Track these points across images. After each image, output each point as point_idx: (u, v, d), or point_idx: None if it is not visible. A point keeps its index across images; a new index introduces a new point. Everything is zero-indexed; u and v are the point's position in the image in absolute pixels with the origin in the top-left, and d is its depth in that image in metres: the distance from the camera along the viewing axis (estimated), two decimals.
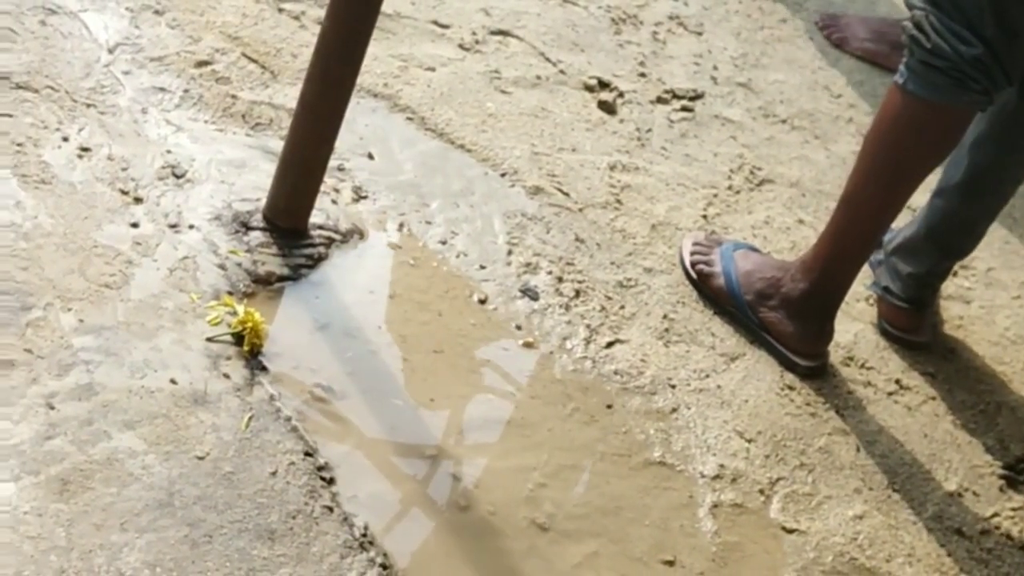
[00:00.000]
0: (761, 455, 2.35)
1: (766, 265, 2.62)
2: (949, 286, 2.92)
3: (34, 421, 1.85)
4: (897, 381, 2.64)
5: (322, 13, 2.34)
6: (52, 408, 1.88)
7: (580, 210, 2.76)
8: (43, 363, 1.94)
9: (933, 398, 2.64)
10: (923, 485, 2.43)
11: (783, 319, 2.56)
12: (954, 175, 2.61)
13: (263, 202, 2.40)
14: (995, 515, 2.42)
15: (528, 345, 2.39)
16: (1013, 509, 2.44)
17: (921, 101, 2.32)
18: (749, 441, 2.37)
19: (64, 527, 1.73)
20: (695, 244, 2.70)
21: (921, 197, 2.68)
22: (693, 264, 2.67)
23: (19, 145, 2.33)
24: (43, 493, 1.76)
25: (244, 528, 1.83)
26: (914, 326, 2.74)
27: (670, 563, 2.09)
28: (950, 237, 2.68)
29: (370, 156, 2.69)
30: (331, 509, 1.92)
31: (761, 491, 2.28)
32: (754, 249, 2.71)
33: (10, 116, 2.38)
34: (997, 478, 2.50)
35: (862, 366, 2.64)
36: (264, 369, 2.11)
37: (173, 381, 2.01)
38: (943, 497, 2.42)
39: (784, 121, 3.37)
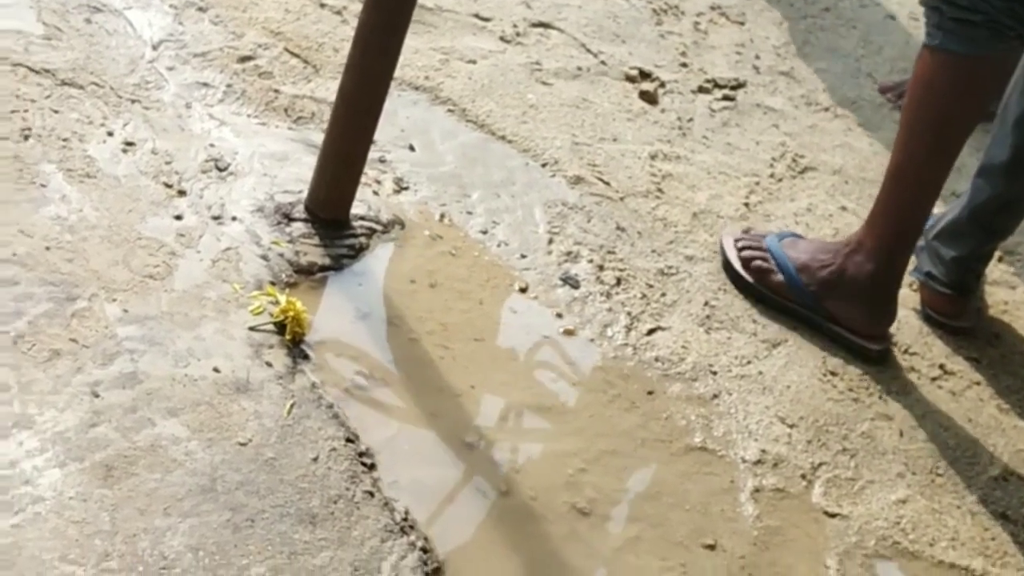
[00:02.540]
0: (803, 440, 2.35)
1: (820, 252, 2.60)
2: (994, 271, 2.91)
3: (79, 409, 1.88)
4: (941, 366, 2.63)
5: None
6: (97, 396, 1.91)
7: (621, 199, 2.77)
8: (88, 352, 1.97)
9: (977, 383, 2.63)
10: (967, 470, 2.42)
11: (851, 306, 2.56)
12: (998, 154, 2.60)
13: (305, 194, 2.43)
14: None
15: (569, 332, 2.40)
16: None
17: (959, 57, 2.32)
18: (791, 427, 2.37)
19: (108, 512, 1.76)
20: (739, 241, 2.69)
21: (963, 183, 2.67)
22: (747, 262, 2.64)
23: (64, 140, 2.36)
24: (88, 479, 1.79)
25: (286, 512, 1.85)
26: (957, 312, 2.73)
27: (711, 547, 2.09)
28: (993, 217, 2.66)
29: (411, 148, 2.71)
30: (372, 494, 1.94)
31: (803, 476, 2.28)
32: (795, 235, 2.70)
33: (56, 112, 2.42)
34: None
35: (905, 351, 2.64)
36: (306, 357, 2.14)
37: (216, 369, 2.03)
38: (988, 481, 2.41)
39: (827, 109, 3.36)
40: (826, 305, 2.57)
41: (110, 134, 2.43)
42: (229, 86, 2.67)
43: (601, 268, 2.56)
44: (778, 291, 2.60)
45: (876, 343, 2.58)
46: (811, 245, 2.63)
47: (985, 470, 2.43)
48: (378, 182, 2.58)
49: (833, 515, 2.23)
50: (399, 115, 2.76)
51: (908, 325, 2.70)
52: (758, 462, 2.27)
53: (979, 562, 2.23)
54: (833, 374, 2.52)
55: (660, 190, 2.83)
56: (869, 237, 2.53)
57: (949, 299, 2.71)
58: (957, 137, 2.41)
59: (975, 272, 2.75)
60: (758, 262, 2.62)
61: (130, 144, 2.42)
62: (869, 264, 2.52)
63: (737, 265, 2.64)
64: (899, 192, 2.46)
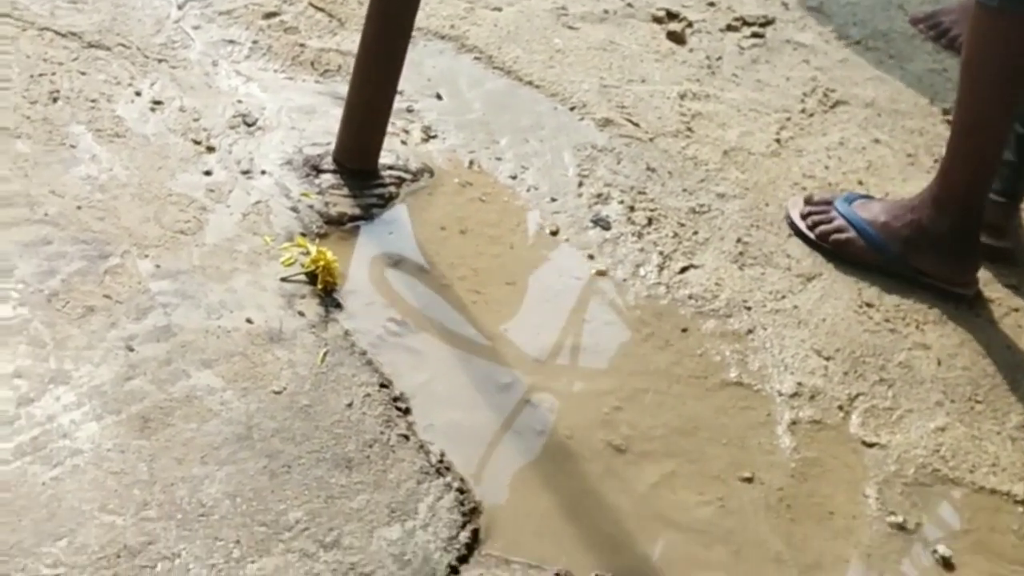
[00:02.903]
0: (840, 372, 2.34)
1: (896, 210, 2.59)
2: None
3: (114, 363, 1.90)
4: (978, 294, 2.61)
5: None
6: (131, 350, 1.93)
7: (651, 140, 2.76)
8: (122, 308, 1.99)
9: (1016, 309, 2.61)
10: (1006, 396, 2.41)
11: (937, 260, 2.56)
12: None
13: (333, 146, 2.44)
14: None
15: (601, 274, 2.40)
16: None
17: (1017, 18, 2.30)
18: (827, 359, 2.36)
19: (146, 462, 1.78)
20: (808, 217, 2.66)
21: None
22: (823, 236, 2.62)
23: (93, 101, 2.38)
24: (125, 431, 1.81)
25: (322, 458, 1.87)
26: (1002, 224, 2.71)
27: (748, 480, 2.09)
28: None
29: (438, 96, 2.71)
30: (407, 437, 1.95)
31: (840, 407, 2.28)
32: (862, 196, 2.69)
33: (84, 74, 2.43)
34: None
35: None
36: (338, 306, 2.15)
37: (249, 320, 2.05)
38: None
39: (858, 42, 3.34)
40: (912, 262, 2.56)
41: (138, 94, 2.44)
42: (255, 42, 2.68)
43: (632, 209, 2.56)
44: (862, 256, 2.59)
45: (967, 288, 2.60)
46: (884, 205, 2.62)
47: None
48: (406, 131, 2.58)
49: (871, 445, 2.23)
50: (425, 64, 2.77)
51: None
52: (795, 395, 2.27)
53: (1020, 487, 2.22)
54: (869, 305, 2.51)
55: (690, 129, 2.82)
56: (942, 190, 2.53)
57: (1000, 208, 2.69)
58: (1021, 90, 2.42)
59: None
60: (836, 235, 2.60)
61: (158, 103, 2.44)
62: (946, 217, 2.52)
63: (813, 236, 2.63)
64: (967, 145, 2.47)
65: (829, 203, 2.63)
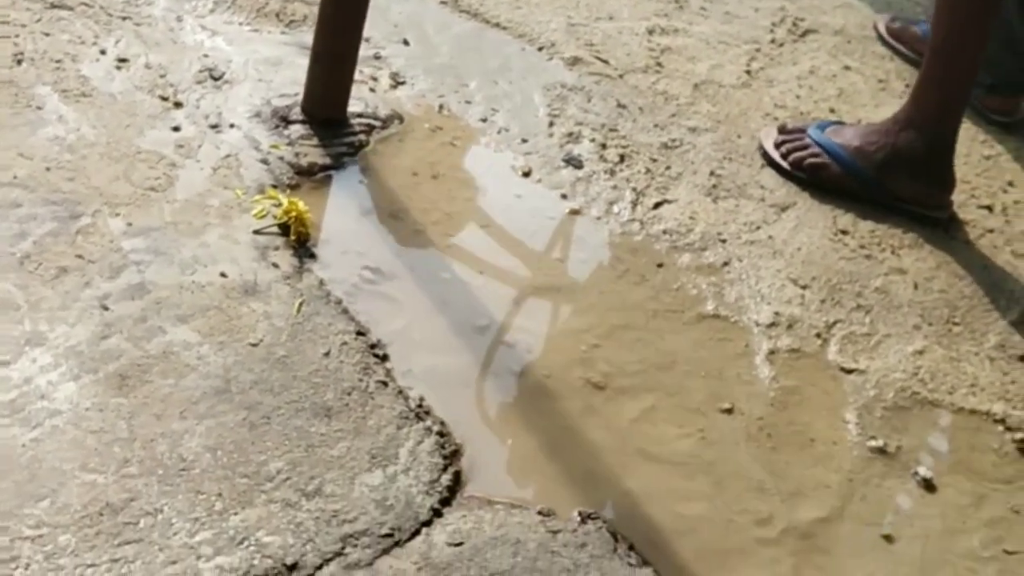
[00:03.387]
0: (816, 300, 2.35)
1: (869, 134, 2.59)
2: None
3: (89, 322, 1.90)
4: (951, 217, 2.62)
5: None
6: (106, 309, 1.93)
7: (620, 76, 2.75)
8: (95, 267, 1.99)
9: (991, 230, 2.62)
10: (984, 316, 2.42)
11: (912, 182, 2.56)
12: None
13: (301, 96, 2.42)
14: None
15: (575, 212, 2.40)
16: None
17: None
18: (804, 287, 2.37)
19: (125, 420, 1.78)
20: (782, 145, 2.66)
21: None
22: (798, 162, 2.62)
23: (58, 62, 2.37)
24: (103, 389, 1.81)
25: (301, 407, 1.87)
26: (1012, 109, 2.87)
27: (728, 411, 2.10)
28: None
29: (405, 42, 2.70)
30: (385, 384, 1.96)
31: (818, 335, 2.28)
32: (834, 122, 2.69)
33: (47, 35, 2.42)
34: None
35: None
36: (312, 256, 2.15)
37: (223, 274, 2.05)
38: (1005, 327, 2.41)
39: None
40: (887, 185, 2.57)
41: (103, 52, 2.43)
42: None
43: (604, 147, 2.55)
44: (837, 182, 2.59)
45: (941, 211, 2.62)
46: (858, 130, 2.62)
47: (1002, 315, 2.43)
48: (374, 79, 2.57)
49: (850, 371, 2.24)
50: (391, 10, 2.75)
51: None
52: (772, 324, 2.28)
53: (999, 406, 2.24)
54: (844, 232, 2.51)
55: (659, 64, 2.81)
56: (918, 112, 2.53)
57: (1005, 100, 2.75)
58: (997, 11, 2.43)
59: None
60: (810, 160, 2.60)
61: (123, 61, 2.42)
62: (922, 138, 2.53)
63: (786, 164, 2.63)
64: (943, 65, 2.47)
65: (802, 131, 2.63)
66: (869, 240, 2.51)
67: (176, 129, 2.31)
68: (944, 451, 2.15)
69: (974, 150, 2.83)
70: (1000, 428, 2.21)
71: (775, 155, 2.62)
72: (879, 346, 2.30)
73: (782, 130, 2.66)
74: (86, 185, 2.13)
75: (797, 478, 2.02)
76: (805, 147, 2.61)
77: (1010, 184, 2.76)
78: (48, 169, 2.14)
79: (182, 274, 2.03)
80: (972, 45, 2.44)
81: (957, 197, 2.66)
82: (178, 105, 2.36)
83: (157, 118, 2.32)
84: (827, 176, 2.58)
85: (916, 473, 2.08)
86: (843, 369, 2.24)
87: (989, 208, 2.67)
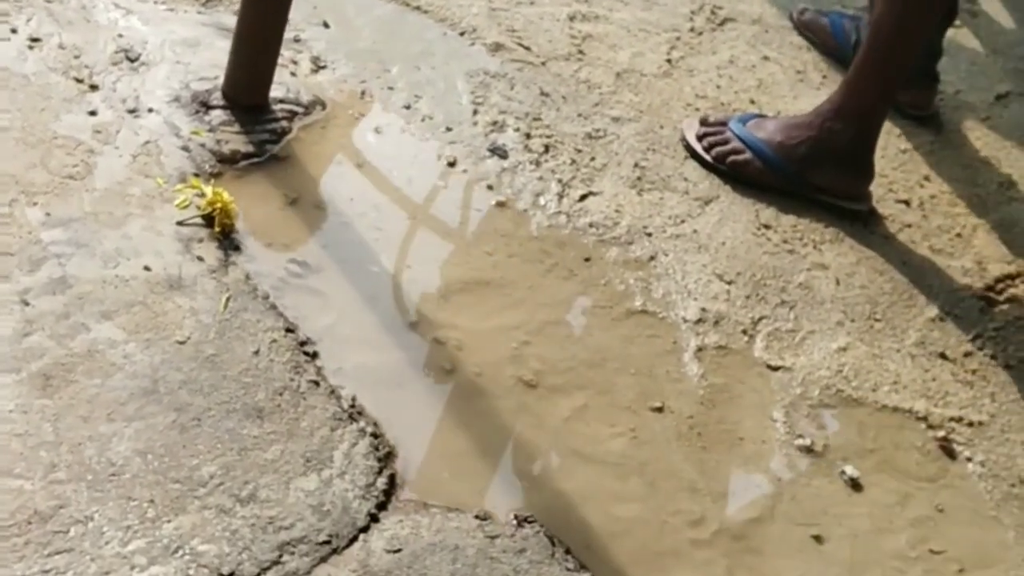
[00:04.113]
0: (742, 296, 2.35)
1: (791, 128, 2.59)
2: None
3: (10, 319, 1.83)
4: (871, 211, 2.63)
5: None
6: (27, 304, 1.86)
7: (543, 64, 2.72)
8: (13, 260, 1.92)
9: (909, 225, 2.64)
10: (904, 312, 2.43)
11: (835, 174, 2.56)
12: None
13: (221, 80, 2.36)
14: (977, 336, 2.43)
15: (501, 204, 2.37)
16: (995, 329, 2.45)
17: None
18: (729, 283, 2.36)
19: (51, 422, 1.72)
20: (704, 138, 2.64)
21: None
22: (720, 157, 2.60)
23: None
24: (26, 390, 1.75)
25: (232, 409, 1.83)
26: (927, 102, 2.85)
27: (659, 409, 2.09)
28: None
29: (325, 25, 2.64)
30: (317, 383, 1.92)
31: (744, 331, 2.28)
32: (756, 115, 2.68)
33: None
34: (977, 300, 2.51)
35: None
36: (237, 249, 2.09)
37: (147, 268, 1.99)
38: (925, 323, 2.43)
39: None
40: (810, 178, 2.57)
41: (14, 31, 2.34)
42: None
43: (528, 136, 2.52)
44: (760, 178, 2.58)
45: (862, 203, 2.63)
46: (779, 124, 2.62)
47: (922, 312, 2.45)
48: (295, 63, 2.51)
49: (776, 368, 2.24)
50: None
51: None
52: (699, 321, 2.27)
53: (921, 403, 2.26)
54: (767, 227, 2.51)
55: (581, 52, 2.79)
56: (849, 100, 2.53)
57: (919, 93, 2.78)
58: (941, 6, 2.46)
59: (937, 58, 2.86)
60: (732, 157, 2.59)
61: (36, 40, 2.34)
62: (848, 128, 2.53)
63: (710, 158, 2.61)
64: (883, 56, 2.47)
65: (724, 124, 2.62)
66: (791, 235, 2.51)
67: (93, 113, 2.23)
68: (869, 449, 2.16)
69: (890, 144, 2.85)
70: (923, 426, 2.23)
71: (698, 148, 2.61)
72: (804, 343, 2.30)
73: (704, 122, 2.65)
74: (1, 172, 2.05)
75: (728, 478, 2.02)
76: (727, 142, 2.60)
77: (926, 179, 2.78)
78: None
79: (105, 267, 1.96)
80: (916, 36, 2.45)
81: (876, 191, 2.68)
82: (94, 88, 2.29)
83: (72, 101, 2.24)
84: (750, 172, 2.58)
85: (843, 472, 2.09)
86: (769, 366, 2.24)
87: (907, 203, 2.69)
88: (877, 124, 2.56)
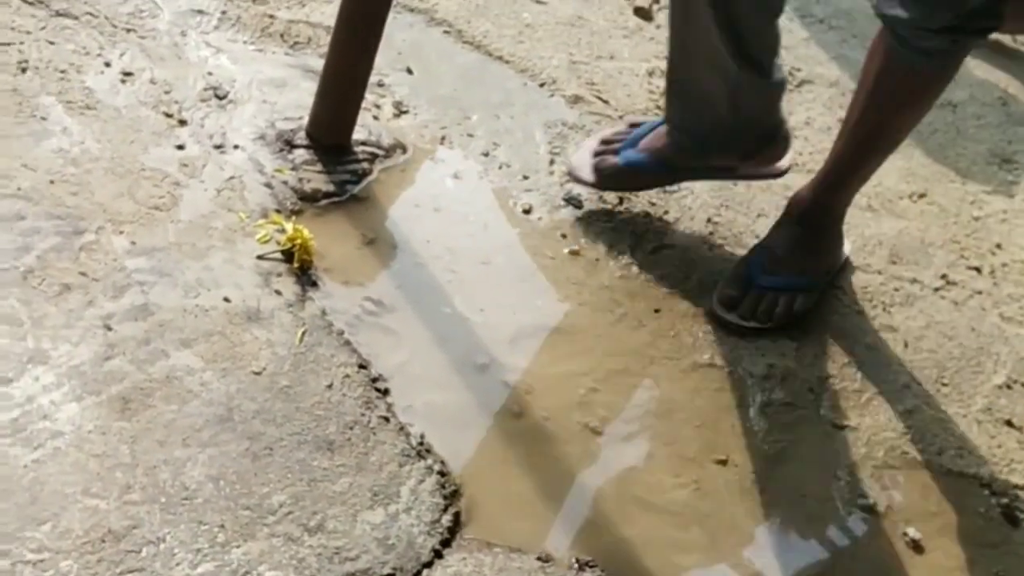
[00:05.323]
0: (809, 354, 2.36)
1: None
2: (993, 178, 2.92)
3: (93, 342, 1.88)
4: (943, 276, 2.64)
5: None
6: (110, 329, 1.91)
7: (620, 117, 2.75)
8: (98, 285, 1.97)
9: (979, 292, 2.64)
10: (972, 379, 2.43)
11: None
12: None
13: (306, 120, 2.41)
14: None
15: (574, 253, 2.40)
16: None
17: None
18: (797, 341, 2.38)
19: (128, 444, 1.76)
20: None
21: None
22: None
23: (62, 72, 2.34)
24: (105, 412, 1.79)
25: (303, 440, 1.86)
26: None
27: (723, 462, 2.11)
28: None
29: (409, 71, 2.69)
30: (387, 419, 1.95)
31: (810, 389, 2.29)
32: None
33: (52, 44, 2.39)
34: None
35: (907, 263, 2.64)
36: (315, 284, 2.14)
37: (226, 299, 2.03)
38: (992, 390, 2.43)
39: (821, 21, 3.35)
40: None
41: (107, 64, 2.41)
42: (224, 12, 2.64)
43: None
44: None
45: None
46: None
47: (989, 378, 2.45)
48: (377, 106, 2.56)
49: (842, 427, 2.25)
50: (395, 38, 2.74)
51: (909, 236, 2.71)
52: (766, 377, 2.28)
53: (985, 470, 2.26)
54: (837, 287, 2.52)
55: (658, 107, 2.82)
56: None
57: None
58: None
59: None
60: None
61: (128, 74, 2.40)
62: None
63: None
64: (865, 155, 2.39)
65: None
66: (861, 296, 2.52)
67: (180, 147, 2.29)
68: (932, 512, 2.16)
69: (963, 211, 2.85)
70: (986, 492, 2.23)
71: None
72: (870, 404, 2.31)
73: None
74: (90, 200, 2.11)
75: (790, 535, 2.03)
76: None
77: (998, 246, 2.78)
78: (52, 182, 2.11)
79: (186, 297, 2.01)
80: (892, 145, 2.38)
81: (947, 257, 2.68)
82: (182, 123, 2.34)
83: (161, 135, 2.30)
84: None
85: (905, 534, 2.10)
86: (835, 425, 2.25)
87: (978, 270, 2.69)
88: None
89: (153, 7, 2.58)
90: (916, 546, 2.09)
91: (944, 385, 2.40)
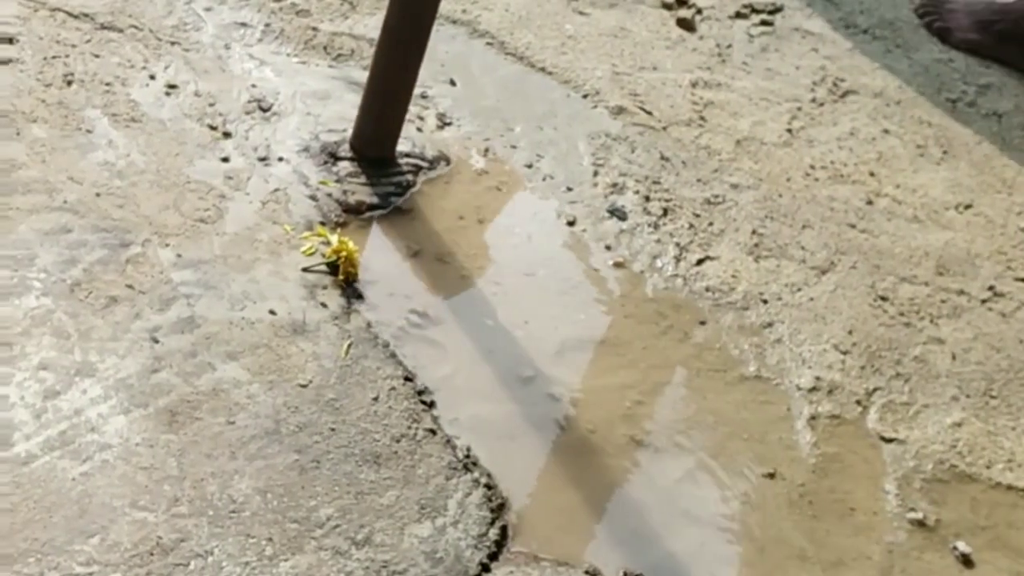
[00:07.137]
0: (857, 366, 2.34)
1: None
2: None
3: (140, 355, 1.88)
4: (991, 288, 2.62)
5: None
6: (156, 342, 1.91)
7: (664, 128, 2.75)
8: (145, 298, 1.97)
9: None
10: (1021, 391, 2.41)
11: None
12: None
13: (350, 132, 2.42)
14: None
15: (619, 265, 2.39)
16: None
17: None
18: (844, 353, 2.36)
19: (175, 457, 1.76)
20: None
21: None
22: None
23: (107, 85, 2.35)
24: (153, 424, 1.79)
25: (350, 453, 1.86)
26: None
27: (771, 475, 2.09)
28: None
29: (452, 83, 2.69)
30: (434, 432, 1.94)
31: (858, 402, 2.27)
32: None
33: (97, 56, 2.40)
34: None
35: (954, 274, 2.62)
36: (360, 297, 2.13)
37: (272, 312, 2.03)
38: None
39: (865, 31, 3.33)
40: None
41: (152, 77, 2.41)
42: (267, 25, 2.65)
43: (647, 199, 2.55)
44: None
45: None
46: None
47: None
48: (421, 118, 2.56)
49: (890, 440, 2.23)
50: (438, 50, 2.74)
51: (956, 248, 2.69)
52: (813, 389, 2.27)
53: None
54: (883, 299, 2.51)
55: (702, 118, 2.81)
56: None
57: None
58: None
59: None
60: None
61: (173, 87, 2.41)
62: None
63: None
64: None
65: None
66: (908, 308, 2.50)
67: (225, 160, 2.29)
68: (982, 526, 2.14)
69: (1010, 222, 2.83)
70: None
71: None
72: (918, 416, 2.29)
73: None
74: (136, 213, 2.12)
75: (838, 548, 2.01)
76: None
77: None
78: (98, 195, 2.12)
79: (232, 309, 2.01)
80: None
81: (994, 268, 2.66)
82: (227, 135, 2.35)
83: (206, 148, 2.30)
84: None
85: (955, 548, 2.08)
86: (883, 438, 2.23)
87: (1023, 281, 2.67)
88: None
89: (197, 20, 2.59)
90: (966, 560, 2.07)
91: (993, 397, 2.38)
